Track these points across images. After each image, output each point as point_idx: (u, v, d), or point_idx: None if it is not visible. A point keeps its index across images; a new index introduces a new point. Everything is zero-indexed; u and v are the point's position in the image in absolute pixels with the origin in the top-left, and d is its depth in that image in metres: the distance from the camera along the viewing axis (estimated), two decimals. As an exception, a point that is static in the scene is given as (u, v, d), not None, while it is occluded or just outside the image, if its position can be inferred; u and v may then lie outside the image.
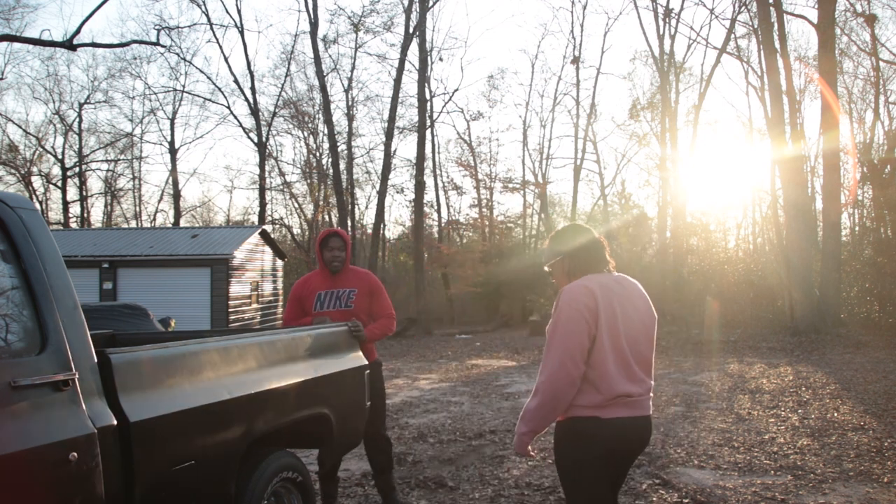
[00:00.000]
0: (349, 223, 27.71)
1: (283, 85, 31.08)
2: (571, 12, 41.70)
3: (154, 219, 34.97)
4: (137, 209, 35.32)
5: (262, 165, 30.43)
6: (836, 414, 6.29)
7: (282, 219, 35.05)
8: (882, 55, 21.75)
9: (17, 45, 29.60)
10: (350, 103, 29.89)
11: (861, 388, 7.60)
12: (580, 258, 2.29)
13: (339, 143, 27.26)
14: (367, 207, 35.03)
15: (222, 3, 38.83)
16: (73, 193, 33.14)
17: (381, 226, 27.59)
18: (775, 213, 20.06)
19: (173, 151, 33.03)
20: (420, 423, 6.37)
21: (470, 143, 31.92)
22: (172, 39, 28.09)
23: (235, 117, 35.68)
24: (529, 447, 2.23)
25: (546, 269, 2.39)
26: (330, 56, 28.87)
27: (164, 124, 34.24)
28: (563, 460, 2.22)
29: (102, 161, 33.86)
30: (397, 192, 32.83)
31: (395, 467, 4.38)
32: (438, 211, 32.03)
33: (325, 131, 26.63)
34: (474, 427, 6.14)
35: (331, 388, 3.09)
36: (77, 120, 32.44)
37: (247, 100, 29.45)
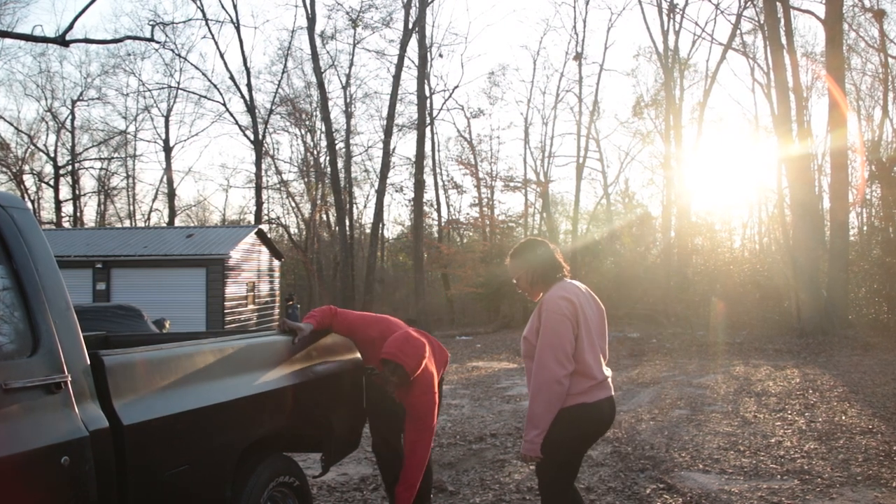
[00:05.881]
0: (347, 222, 27.69)
1: (279, 82, 31.01)
2: (574, 8, 41.85)
3: (148, 218, 34.74)
4: (131, 208, 35.14)
5: (258, 164, 30.34)
6: (843, 417, 6.22)
7: (279, 218, 35.01)
8: (891, 51, 21.61)
9: (8, 40, 29.52)
10: (348, 100, 29.84)
11: (869, 391, 7.53)
12: (541, 268, 2.65)
13: (337, 141, 27.25)
14: (365, 206, 34.97)
15: (218, -2, 38.72)
16: (65, 192, 32.94)
17: (380, 225, 27.55)
18: (782, 213, 19.97)
19: (168, 149, 32.87)
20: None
21: (470, 140, 31.79)
22: (167, 35, 27.84)
23: (231, 115, 35.72)
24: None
25: (514, 281, 2.71)
26: (328, 52, 28.79)
27: (158, 122, 34.18)
28: (552, 445, 2.49)
29: (96, 159, 33.69)
30: (396, 191, 32.81)
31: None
32: (438, 210, 31.94)
33: (323, 129, 26.61)
34: (475, 430, 6.09)
35: (329, 390, 3.05)
36: (70, 117, 32.32)
37: (243, 97, 29.38)
